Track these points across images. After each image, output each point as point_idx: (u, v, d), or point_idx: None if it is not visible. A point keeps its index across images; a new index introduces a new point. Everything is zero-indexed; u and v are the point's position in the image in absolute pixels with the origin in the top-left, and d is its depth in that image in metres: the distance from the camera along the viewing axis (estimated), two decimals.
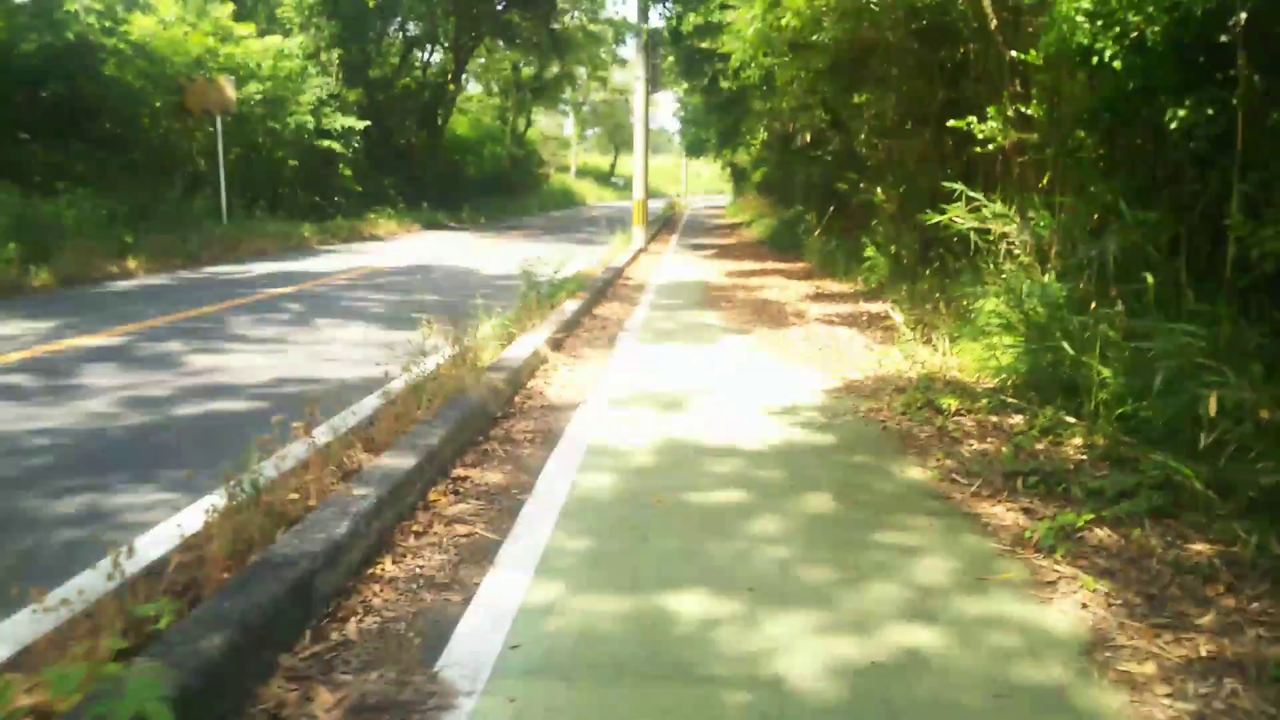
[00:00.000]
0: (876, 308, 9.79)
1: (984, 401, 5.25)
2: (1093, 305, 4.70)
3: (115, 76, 15.85)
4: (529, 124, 46.70)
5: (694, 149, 37.88)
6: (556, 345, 7.45)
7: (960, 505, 3.88)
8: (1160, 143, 4.49)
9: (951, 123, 6.38)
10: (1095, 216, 5.22)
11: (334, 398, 5.35)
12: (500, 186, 36.95)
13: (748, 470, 4.38)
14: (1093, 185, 5.33)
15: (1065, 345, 4.66)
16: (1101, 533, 3.45)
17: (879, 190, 9.74)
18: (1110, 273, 4.23)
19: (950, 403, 5.22)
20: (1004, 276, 6.22)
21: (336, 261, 15.08)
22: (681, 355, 7.35)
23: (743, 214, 30.86)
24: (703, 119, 26.81)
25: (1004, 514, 3.75)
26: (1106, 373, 4.51)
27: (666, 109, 68.80)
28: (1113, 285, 4.50)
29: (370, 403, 5.28)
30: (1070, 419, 4.61)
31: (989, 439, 4.72)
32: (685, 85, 23.73)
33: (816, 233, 14.78)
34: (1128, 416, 4.23)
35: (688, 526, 3.67)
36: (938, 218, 6.28)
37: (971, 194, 6.17)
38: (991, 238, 6.25)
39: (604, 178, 66.20)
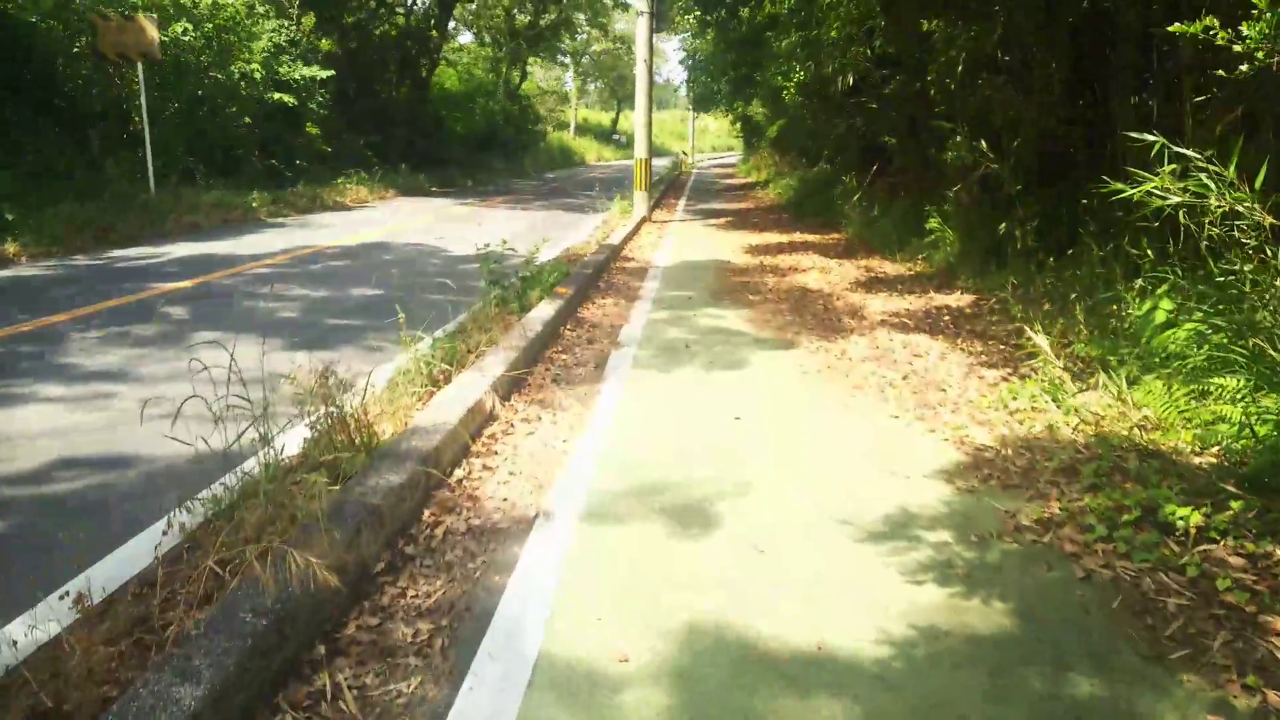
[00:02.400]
0: (955, 300, 7.36)
1: (1236, 507, 2.85)
2: None
3: (13, 14, 13.20)
4: (524, 77, 43.44)
5: (702, 102, 35.11)
6: (515, 386, 5.02)
7: None
8: None
9: (1175, 27, 3.87)
10: None
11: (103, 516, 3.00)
12: (492, 145, 34.22)
13: None
14: None
15: None
16: None
17: (983, 144, 7.09)
18: None
19: (1187, 515, 2.82)
20: (1223, 279, 3.82)
21: (278, 239, 12.39)
22: (699, 395, 4.91)
23: (757, 173, 28.33)
24: (716, 62, 23.74)
25: None
26: None
27: (673, 60, 65.33)
28: None
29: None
30: None
31: None
32: (695, 17, 20.94)
33: (856, 197, 12.23)
34: None
35: None
36: (1126, 189, 3.84)
37: (1183, 151, 3.70)
38: (1210, 217, 3.81)
39: (605, 134, 62.86)
